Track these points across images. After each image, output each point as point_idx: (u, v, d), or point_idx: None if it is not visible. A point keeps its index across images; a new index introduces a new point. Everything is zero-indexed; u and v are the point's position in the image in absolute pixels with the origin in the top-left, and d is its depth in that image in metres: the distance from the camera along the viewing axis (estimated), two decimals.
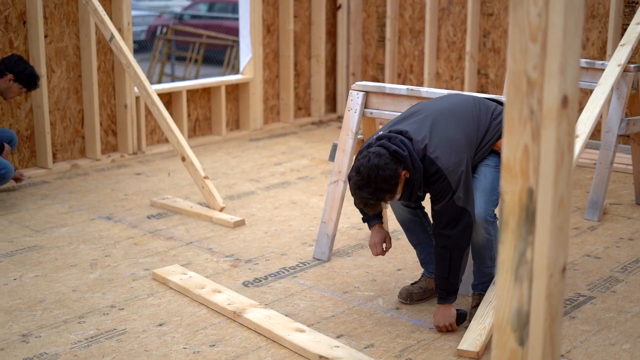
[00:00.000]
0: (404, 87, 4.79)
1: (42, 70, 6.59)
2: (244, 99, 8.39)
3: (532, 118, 2.03)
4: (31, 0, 6.51)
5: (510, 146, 2.08)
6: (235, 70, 13.38)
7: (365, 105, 4.96)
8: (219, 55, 16.17)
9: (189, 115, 7.98)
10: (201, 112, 8.12)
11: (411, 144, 3.75)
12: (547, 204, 2.07)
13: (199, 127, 8.13)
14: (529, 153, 2.06)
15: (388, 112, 4.87)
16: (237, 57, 13.54)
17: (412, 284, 4.38)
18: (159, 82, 13.78)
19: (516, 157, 2.08)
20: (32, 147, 6.84)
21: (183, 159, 5.90)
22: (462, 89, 8.36)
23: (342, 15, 9.04)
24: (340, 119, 9.21)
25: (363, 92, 4.95)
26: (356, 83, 5.00)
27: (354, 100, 4.97)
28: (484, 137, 3.96)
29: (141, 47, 20.21)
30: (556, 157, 2.04)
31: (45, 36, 6.74)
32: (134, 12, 21.14)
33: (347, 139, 4.97)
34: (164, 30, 16.38)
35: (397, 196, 3.73)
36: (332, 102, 9.34)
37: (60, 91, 6.94)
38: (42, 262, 4.85)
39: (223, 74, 13.35)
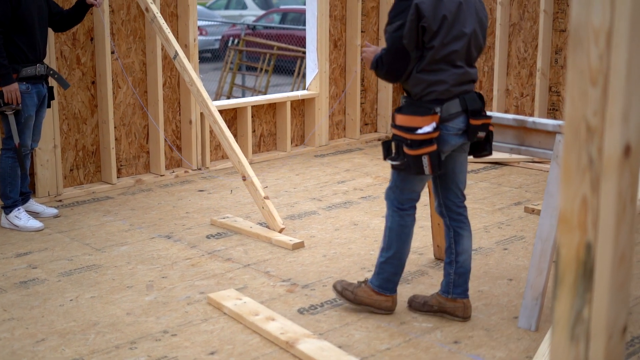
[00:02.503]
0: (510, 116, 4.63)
1: (108, 86, 6.63)
2: (309, 115, 8.32)
3: (592, 167, 1.89)
4: (98, 17, 6.55)
5: (567, 196, 1.93)
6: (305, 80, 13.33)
7: None
8: (290, 65, 16.18)
9: (253, 131, 7.94)
10: (266, 127, 8.08)
11: None
12: (606, 259, 1.92)
13: (263, 143, 8.09)
14: (587, 205, 1.91)
15: None
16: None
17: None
18: (230, 92, 13.84)
19: (574, 209, 1.93)
20: (97, 162, 6.88)
21: (244, 178, 5.85)
22: (532, 107, 8.14)
23: None
24: None
25: None
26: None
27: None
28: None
29: (215, 56, 20.40)
30: (617, 210, 1.89)
31: (112, 52, 6.78)
32: (207, 22, 21.36)
33: None
34: (236, 41, 16.46)
35: None
36: None
37: (127, 107, 6.97)
38: (99, 282, 4.84)
39: (293, 85, 13.34)
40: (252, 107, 7.84)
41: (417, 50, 3.90)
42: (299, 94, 8.17)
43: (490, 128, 4.16)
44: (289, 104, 8.03)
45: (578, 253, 1.95)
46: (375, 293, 4.34)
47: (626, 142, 1.84)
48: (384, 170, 7.53)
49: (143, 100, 7.08)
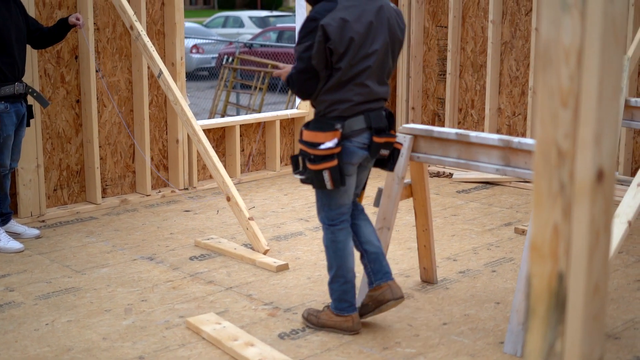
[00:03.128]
0: (453, 131, 4.54)
1: (93, 105, 6.54)
2: (299, 134, 8.22)
3: (563, 193, 1.79)
4: (83, 35, 6.47)
5: (538, 224, 1.83)
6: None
7: (413, 148, 4.73)
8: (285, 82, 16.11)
9: (242, 150, 7.85)
10: (255, 146, 7.99)
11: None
12: (579, 290, 1.82)
13: (252, 162, 8.00)
14: (559, 232, 1.82)
15: (436, 157, 4.63)
16: None
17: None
18: (224, 110, 13.76)
19: (545, 237, 1.84)
20: (81, 182, 6.78)
21: (228, 199, 5.75)
22: (524, 126, 8.05)
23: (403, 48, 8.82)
24: None
25: (410, 135, 4.72)
26: (403, 126, 4.77)
27: (401, 143, 4.73)
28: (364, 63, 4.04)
29: (211, 74, 20.35)
30: (590, 238, 1.79)
31: (97, 71, 6.69)
32: (204, 40, 21.32)
33: (393, 184, 4.74)
34: (230, 59, 16.41)
35: None
36: None
37: (112, 126, 6.88)
38: (76, 305, 4.73)
39: (288, 102, 13.26)
40: (241, 126, 7.75)
41: (326, 70, 4.00)
42: (289, 112, 8.09)
43: (397, 146, 4.31)
44: (278, 123, 7.94)
45: (550, 283, 1.85)
46: (335, 315, 4.31)
47: (598, 166, 1.75)
48: (372, 189, 7.41)
49: (129, 119, 6.99)
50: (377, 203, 4.83)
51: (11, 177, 6.27)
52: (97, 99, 6.73)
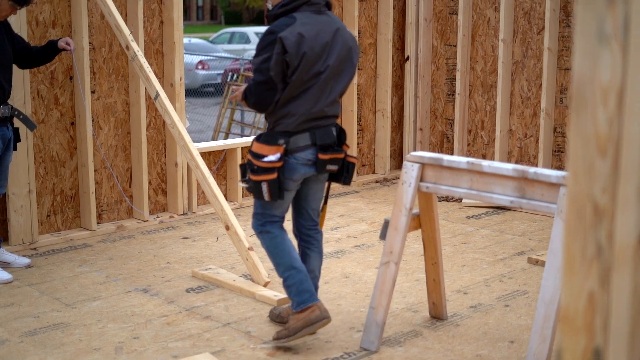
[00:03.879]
0: (464, 160, 4.27)
1: (88, 127, 6.29)
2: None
3: (600, 257, 1.52)
4: (78, 55, 6.23)
5: (570, 292, 1.57)
6: None
7: (421, 178, 4.46)
8: None
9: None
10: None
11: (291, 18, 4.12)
12: None
13: None
14: (595, 302, 1.55)
15: (446, 187, 4.35)
16: None
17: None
18: (228, 128, 13.50)
19: (578, 307, 1.57)
20: (76, 207, 6.53)
21: (227, 228, 5.48)
22: (536, 148, 7.78)
23: (409, 67, 8.58)
24: None
25: (418, 164, 4.44)
26: (411, 154, 4.50)
27: (408, 172, 4.46)
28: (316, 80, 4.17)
29: (217, 91, 20.11)
30: (632, 310, 1.52)
31: (93, 92, 6.45)
32: (209, 57, 21.11)
33: (400, 215, 4.46)
34: (235, 76, 16.17)
35: (269, 4, 4.34)
36: (398, 158, 8.85)
37: (108, 149, 6.63)
38: (64, 343, 4.45)
39: None
40: (242, 148, 7.48)
41: (282, 83, 4.10)
42: None
43: (351, 160, 4.45)
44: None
45: None
46: (301, 312, 4.27)
47: None
48: (380, 216, 7.15)
49: (125, 142, 6.74)
50: (383, 236, 4.55)
51: (1, 202, 6.04)
52: (93, 120, 6.48)
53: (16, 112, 5.56)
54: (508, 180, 4.11)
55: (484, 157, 8.26)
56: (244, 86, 4.27)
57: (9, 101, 5.58)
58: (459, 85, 8.22)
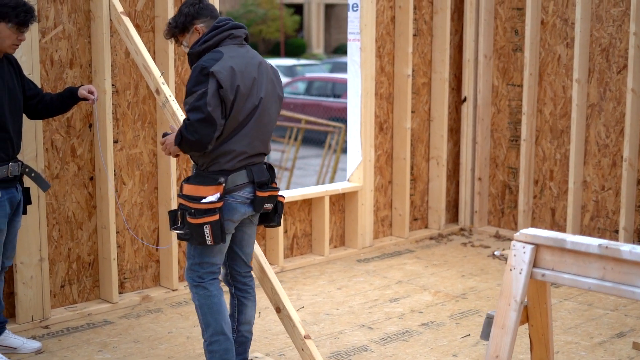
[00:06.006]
0: (595, 242, 3.31)
1: (109, 183, 5.40)
2: (350, 211, 7.04)
3: None
4: (94, 112, 5.35)
5: None
6: (337, 156, 12.14)
7: (535, 262, 3.51)
8: (318, 135, 15.04)
9: (285, 232, 6.66)
10: (300, 226, 6.80)
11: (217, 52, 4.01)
12: None
13: (296, 245, 6.80)
14: None
15: (569, 276, 3.39)
16: (338, 142, 12.34)
17: None
18: None
19: None
20: (95, 275, 5.61)
21: (278, 311, 4.54)
22: (616, 202, 6.83)
23: (467, 109, 7.66)
24: (463, 231, 7.74)
25: (532, 245, 3.50)
26: (521, 232, 3.55)
27: (519, 256, 3.52)
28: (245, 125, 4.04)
29: None
30: None
31: (116, 141, 5.56)
32: None
33: (509, 310, 3.50)
34: None
35: (184, 43, 4.21)
36: (453, 210, 7.91)
37: (132, 207, 5.73)
38: None
39: (323, 159, 12.12)
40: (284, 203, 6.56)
41: (222, 118, 3.94)
42: (339, 187, 6.89)
43: (280, 199, 4.30)
44: (327, 199, 6.75)
45: None
46: None
47: None
48: (444, 283, 6.20)
49: (152, 198, 5.83)
50: (485, 335, 3.60)
51: (8, 274, 5.13)
52: (115, 175, 5.59)
53: (27, 170, 4.67)
54: (591, 258, 3.20)
55: (552, 211, 7.30)
56: (173, 132, 4.10)
57: (19, 156, 4.68)
58: (524, 130, 7.29)
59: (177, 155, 4.21)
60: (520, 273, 3.50)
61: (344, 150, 13.14)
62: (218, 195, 3.99)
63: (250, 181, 4.12)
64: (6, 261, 4.68)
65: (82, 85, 4.82)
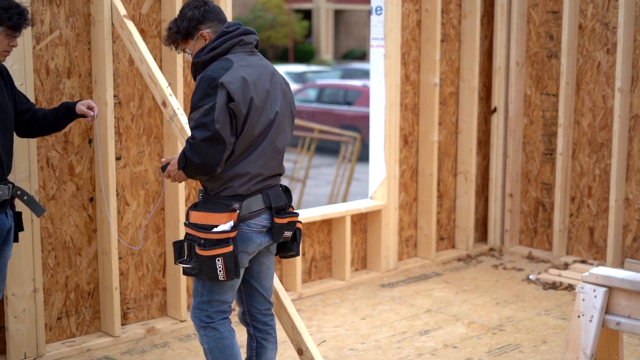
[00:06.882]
0: None
1: (112, 204, 4.88)
2: (373, 231, 6.50)
3: None
4: (99, 111, 4.84)
5: None
6: (352, 167, 11.61)
7: (608, 308, 2.99)
8: (331, 143, 14.56)
9: (303, 254, 6.13)
10: (319, 249, 6.26)
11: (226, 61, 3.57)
12: None
13: (315, 269, 6.26)
14: None
15: None
16: (353, 152, 11.82)
17: None
18: None
19: None
20: (95, 306, 5.09)
21: (300, 353, 4.02)
22: None
23: (497, 120, 7.12)
24: (493, 252, 7.19)
25: (604, 288, 2.97)
26: (591, 272, 3.04)
27: (589, 300, 3.00)
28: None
29: None
30: None
31: (118, 158, 5.05)
32: None
33: None
34: None
35: (187, 51, 3.73)
36: (482, 229, 7.36)
37: (136, 230, 5.21)
38: None
39: (337, 174, 11.58)
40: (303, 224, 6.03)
41: (232, 136, 3.50)
42: (361, 205, 6.35)
43: (298, 225, 3.83)
44: (348, 219, 6.21)
45: None
46: None
47: None
48: (477, 312, 5.66)
49: (159, 220, 5.31)
50: None
51: None
52: (118, 194, 5.07)
53: (19, 193, 4.15)
54: None
55: (591, 231, 6.76)
56: (175, 155, 3.65)
57: (10, 176, 4.16)
58: (560, 142, 6.75)
59: (180, 181, 3.71)
60: (590, 321, 2.98)
61: (359, 160, 12.67)
62: (231, 223, 3.54)
63: (267, 207, 3.67)
64: None
65: (80, 100, 4.30)
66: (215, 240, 3.53)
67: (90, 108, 4.24)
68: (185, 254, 3.64)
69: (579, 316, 3.00)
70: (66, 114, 4.22)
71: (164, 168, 3.71)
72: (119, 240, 4.99)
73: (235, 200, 3.58)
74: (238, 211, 3.57)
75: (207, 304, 3.70)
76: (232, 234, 3.55)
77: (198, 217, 3.60)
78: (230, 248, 3.53)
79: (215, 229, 3.54)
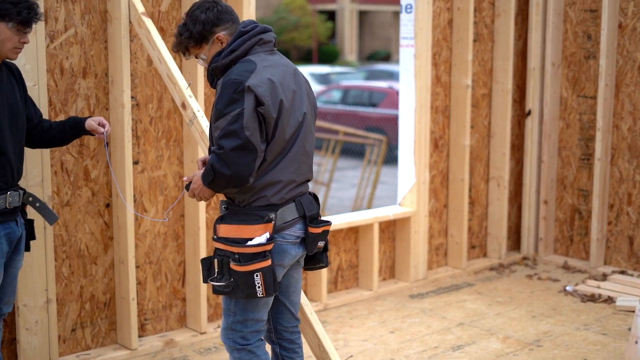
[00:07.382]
0: None
1: (129, 210, 4.65)
2: (402, 239, 6.23)
3: None
4: (116, 113, 4.61)
5: None
6: (377, 170, 11.34)
7: None
8: (356, 145, 14.32)
9: (329, 263, 5.86)
10: (345, 257, 6.00)
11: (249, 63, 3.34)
12: None
13: (341, 279, 6.00)
14: None
15: None
16: (379, 155, 11.55)
17: None
18: None
19: None
20: (111, 316, 4.86)
21: None
22: None
23: (531, 124, 6.83)
24: (526, 260, 6.89)
25: None
26: None
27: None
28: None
29: None
30: None
31: (136, 162, 4.81)
32: None
33: None
34: None
35: (202, 56, 3.48)
36: (515, 237, 7.07)
37: (154, 238, 4.97)
38: None
39: (362, 176, 11.31)
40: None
41: (262, 143, 3.29)
42: (390, 213, 6.08)
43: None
44: (376, 227, 5.94)
45: None
46: None
47: None
48: (513, 326, 5.37)
49: (178, 227, 5.08)
50: None
51: (10, 318, 4.40)
52: (135, 200, 4.84)
53: (30, 199, 3.92)
54: None
55: (630, 240, 6.44)
56: (196, 172, 3.42)
57: (21, 182, 3.93)
58: (598, 147, 6.44)
59: (207, 199, 3.46)
60: None
61: (384, 163, 12.40)
62: (267, 235, 3.33)
63: (300, 216, 3.47)
64: (4, 307, 3.92)
65: (90, 117, 4.05)
66: (252, 255, 3.31)
67: (101, 125, 4.00)
68: (216, 271, 3.40)
69: (636, 342, 2.72)
70: (73, 127, 3.97)
71: (187, 187, 3.46)
72: (139, 216, 4.75)
73: (269, 210, 3.36)
74: (274, 222, 3.36)
75: (242, 324, 3.46)
76: (269, 247, 3.34)
77: (229, 230, 3.36)
78: (269, 262, 3.33)
79: (250, 242, 3.32)
